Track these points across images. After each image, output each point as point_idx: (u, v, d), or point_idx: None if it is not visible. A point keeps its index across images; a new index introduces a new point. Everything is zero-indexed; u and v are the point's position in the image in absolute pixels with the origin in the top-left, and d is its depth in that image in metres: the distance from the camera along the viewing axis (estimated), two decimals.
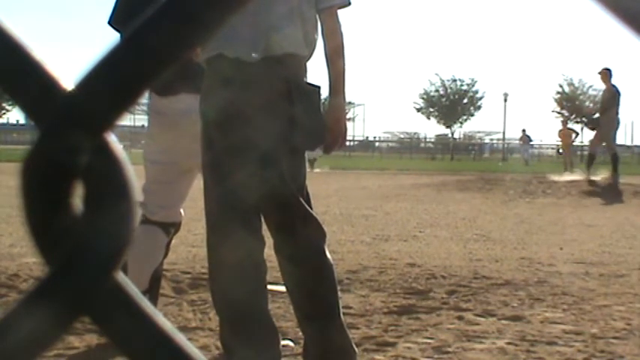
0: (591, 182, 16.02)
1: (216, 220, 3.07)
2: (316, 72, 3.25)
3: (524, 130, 47.45)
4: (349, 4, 3.17)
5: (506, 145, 63.99)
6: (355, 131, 77.22)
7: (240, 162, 2.99)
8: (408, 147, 67.16)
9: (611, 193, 14.81)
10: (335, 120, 3.14)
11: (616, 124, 16.39)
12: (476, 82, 71.21)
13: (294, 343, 3.83)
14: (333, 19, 3.13)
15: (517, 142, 52.59)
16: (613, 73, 16.24)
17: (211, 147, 3.05)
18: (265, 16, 2.97)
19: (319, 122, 3.08)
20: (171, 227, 4.01)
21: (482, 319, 4.38)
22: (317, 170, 25.73)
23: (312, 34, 3.08)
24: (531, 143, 50.44)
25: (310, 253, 3.12)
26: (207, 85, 3.08)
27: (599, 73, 16.22)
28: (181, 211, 4.06)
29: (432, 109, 70.60)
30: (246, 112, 2.96)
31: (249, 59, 2.97)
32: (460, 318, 4.37)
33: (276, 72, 2.98)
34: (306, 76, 3.09)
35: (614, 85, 16.32)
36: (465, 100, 70.03)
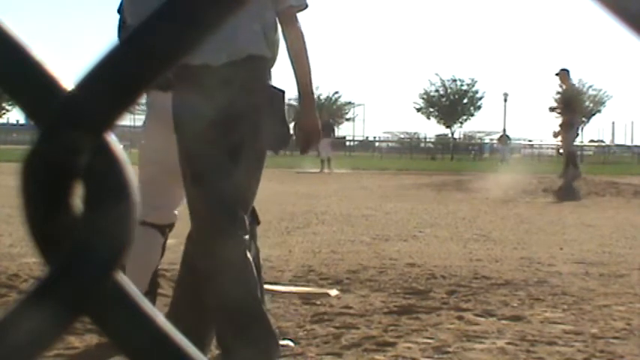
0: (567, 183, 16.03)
1: (203, 223, 3.10)
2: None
3: (504, 131, 48.21)
4: (306, 6, 3.26)
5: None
6: (355, 131, 77.19)
7: (209, 166, 3.03)
8: (408, 147, 67.09)
9: (566, 192, 14.84)
10: (307, 121, 3.24)
11: (579, 123, 16.66)
12: (476, 82, 71.14)
13: (294, 343, 3.83)
14: (293, 21, 3.20)
15: (512, 141, 53.32)
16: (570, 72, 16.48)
17: (183, 152, 3.10)
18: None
19: (283, 125, 3.15)
20: (166, 228, 4.02)
21: (482, 319, 4.38)
22: (336, 171, 25.88)
23: (273, 36, 3.14)
24: (530, 143, 50.90)
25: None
26: (177, 93, 3.10)
27: (558, 74, 16.35)
28: (175, 212, 4.06)
29: (432, 109, 70.56)
30: (213, 117, 2.99)
31: (214, 64, 2.98)
32: (460, 318, 4.37)
33: (240, 75, 3.02)
34: (270, 79, 3.13)
35: (573, 84, 16.59)
36: (465, 100, 69.99)
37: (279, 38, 3.17)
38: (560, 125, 16.57)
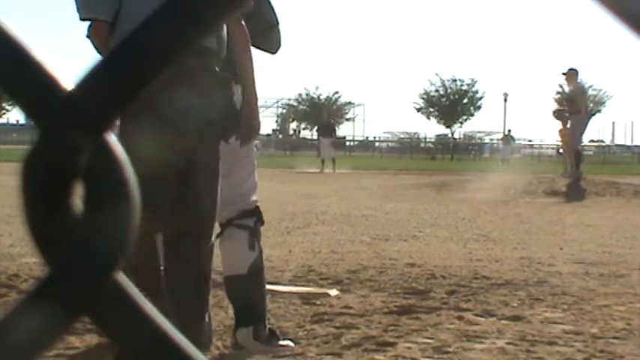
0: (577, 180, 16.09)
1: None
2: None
3: (509, 131, 48.51)
4: (251, 9, 3.43)
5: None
6: (355, 131, 77.17)
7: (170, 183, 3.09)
8: (408, 147, 67.08)
9: (573, 191, 14.85)
10: (247, 115, 3.47)
11: (585, 122, 16.60)
12: (476, 82, 71.01)
13: (294, 343, 3.83)
14: (238, 21, 3.39)
15: (514, 141, 53.64)
16: (579, 72, 16.42)
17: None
18: None
19: (231, 113, 3.29)
20: None
21: (482, 319, 4.38)
22: (338, 171, 25.93)
23: (220, 32, 3.25)
24: (530, 143, 51.11)
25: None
26: None
27: (565, 74, 16.35)
28: None
29: (432, 109, 70.51)
30: (161, 106, 3.01)
31: None
32: (460, 318, 4.37)
33: (194, 65, 3.09)
34: (219, 69, 3.29)
35: (579, 84, 16.53)
36: (465, 100, 69.94)
37: (225, 36, 3.33)
38: (567, 125, 16.57)
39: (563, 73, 16.45)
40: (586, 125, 16.94)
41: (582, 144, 17.56)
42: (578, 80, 16.63)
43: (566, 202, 13.70)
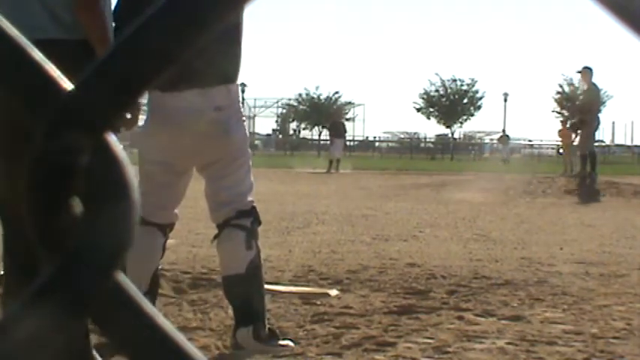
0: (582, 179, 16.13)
1: None
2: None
3: (503, 131, 49.03)
4: None
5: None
6: (355, 131, 77.11)
7: None
8: (408, 147, 67.09)
9: (588, 192, 14.85)
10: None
11: (597, 122, 16.54)
12: (476, 82, 70.96)
13: (294, 343, 3.83)
14: (81, 12, 3.12)
15: (514, 141, 54.05)
16: (594, 71, 16.21)
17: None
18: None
19: None
20: (167, 228, 4.02)
21: (482, 319, 4.38)
22: (341, 171, 25.99)
23: (67, 18, 3.07)
24: (530, 143, 51.43)
25: None
26: None
27: (580, 72, 16.26)
28: (176, 211, 4.07)
29: (432, 109, 70.50)
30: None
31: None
32: (460, 318, 4.37)
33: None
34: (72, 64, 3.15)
35: (594, 84, 16.37)
36: (465, 100, 69.92)
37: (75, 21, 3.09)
38: (581, 126, 16.51)
39: (578, 72, 16.33)
40: (598, 125, 16.86)
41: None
42: (593, 80, 16.47)
43: (567, 203, 13.70)
